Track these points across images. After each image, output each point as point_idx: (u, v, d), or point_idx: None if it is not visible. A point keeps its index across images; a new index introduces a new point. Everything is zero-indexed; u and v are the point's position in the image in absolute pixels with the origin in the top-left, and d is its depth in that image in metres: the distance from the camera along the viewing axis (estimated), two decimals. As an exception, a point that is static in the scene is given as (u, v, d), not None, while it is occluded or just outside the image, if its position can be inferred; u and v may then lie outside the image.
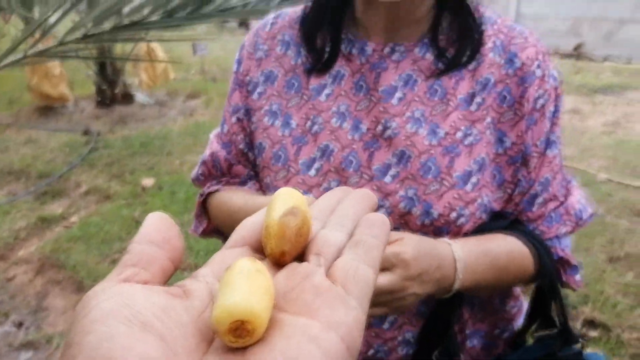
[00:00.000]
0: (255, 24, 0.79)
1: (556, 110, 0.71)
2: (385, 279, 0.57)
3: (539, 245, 0.70)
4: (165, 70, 5.51)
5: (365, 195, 0.29)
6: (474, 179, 0.67)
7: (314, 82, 0.71)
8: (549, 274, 0.71)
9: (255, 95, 0.74)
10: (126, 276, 0.22)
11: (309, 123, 0.71)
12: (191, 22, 1.49)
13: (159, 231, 0.24)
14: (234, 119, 0.77)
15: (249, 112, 0.75)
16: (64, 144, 4.41)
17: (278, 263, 0.25)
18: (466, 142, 0.67)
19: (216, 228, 0.84)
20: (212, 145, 0.81)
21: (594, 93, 6.09)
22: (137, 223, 3.05)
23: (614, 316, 2.24)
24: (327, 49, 0.70)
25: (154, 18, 1.47)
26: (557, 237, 0.73)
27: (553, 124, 0.70)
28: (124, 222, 3.05)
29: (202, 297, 0.22)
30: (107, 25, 1.56)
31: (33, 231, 3.00)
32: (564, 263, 0.74)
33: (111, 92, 5.45)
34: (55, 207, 3.30)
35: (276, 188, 0.69)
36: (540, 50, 0.70)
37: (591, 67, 7.78)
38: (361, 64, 0.70)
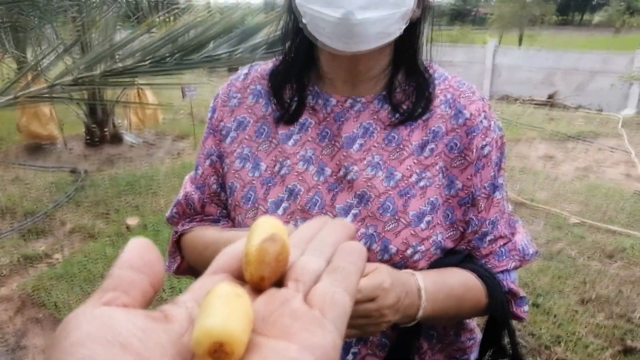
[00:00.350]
0: (244, 70, 0.87)
1: (501, 158, 0.77)
2: (365, 306, 0.62)
3: (490, 278, 0.75)
4: (154, 112, 5.63)
5: (344, 224, 0.30)
6: (427, 218, 0.73)
7: (282, 129, 0.77)
8: (500, 305, 0.75)
9: (228, 141, 0.79)
10: (107, 300, 0.22)
11: (277, 166, 0.76)
12: (179, 69, 1.60)
13: (139, 256, 0.24)
14: (207, 162, 0.81)
15: (221, 156, 0.80)
16: (51, 182, 4.45)
17: (257, 288, 0.25)
18: (420, 185, 0.73)
19: (189, 266, 0.87)
20: (186, 187, 0.85)
21: (567, 140, 6.31)
22: (121, 261, 3.07)
23: (585, 356, 2.29)
24: (295, 102, 0.77)
25: (144, 64, 1.58)
26: (506, 271, 0.78)
27: (498, 169, 0.77)
28: (108, 261, 3.07)
29: (182, 321, 0.23)
30: (98, 70, 1.65)
31: (16, 269, 3.01)
32: (513, 295, 0.79)
33: (100, 133, 5.53)
34: (39, 245, 3.32)
35: (247, 226, 0.75)
36: (485, 105, 0.77)
37: (564, 115, 8.04)
38: (325, 114, 0.76)
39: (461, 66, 11.87)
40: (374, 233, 0.72)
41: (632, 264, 3.13)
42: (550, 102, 10.25)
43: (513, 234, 0.80)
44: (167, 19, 2.54)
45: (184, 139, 6.00)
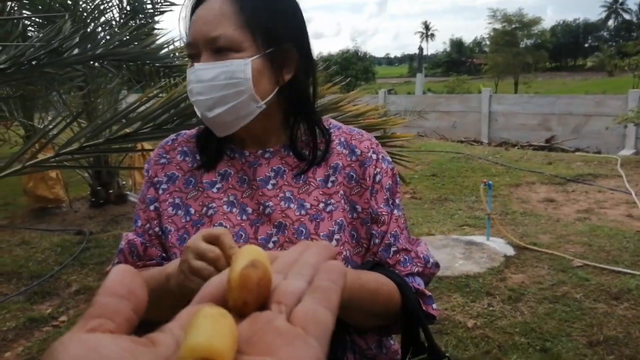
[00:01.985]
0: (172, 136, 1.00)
1: (393, 184, 0.92)
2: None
3: (399, 278, 0.86)
4: (157, 171, 5.74)
5: (324, 247, 0.31)
6: (337, 236, 0.85)
7: (206, 178, 0.90)
8: (412, 302, 0.84)
9: (161, 191, 0.91)
10: (92, 327, 0.22)
11: (204, 209, 0.88)
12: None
13: (122, 283, 0.25)
14: (151, 208, 0.91)
15: (159, 203, 0.91)
16: (57, 244, 4.50)
17: (241, 314, 0.26)
18: (327, 210, 0.86)
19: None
20: (127, 237, 0.93)
21: (567, 182, 6.36)
22: (125, 321, 3.07)
23: (597, 401, 2.25)
24: (214, 153, 0.91)
25: (145, 130, 1.67)
26: (411, 274, 0.89)
27: (392, 193, 0.91)
28: (112, 320, 3.07)
29: (168, 345, 0.23)
30: (103, 137, 1.74)
31: (21, 332, 3.01)
32: (421, 294, 0.89)
33: (105, 194, 5.63)
34: (45, 308, 3.32)
35: None
36: (373, 142, 0.93)
37: (563, 158, 8.12)
38: (242, 164, 0.90)
39: (458, 115, 12.13)
40: None
41: (638, 304, 3.10)
42: (549, 145, 10.39)
43: (414, 247, 0.92)
44: (169, 84, 2.67)
45: (188, 196, 6.07)
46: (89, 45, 1.95)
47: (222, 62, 0.79)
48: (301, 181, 0.88)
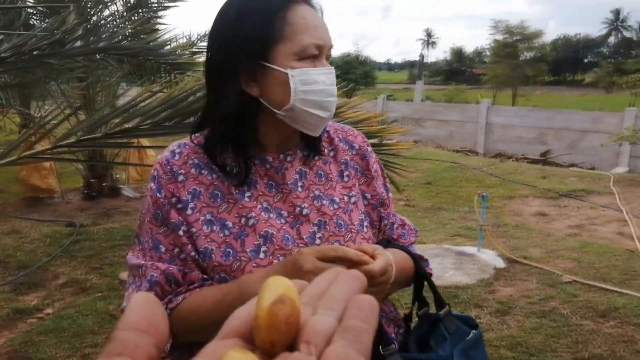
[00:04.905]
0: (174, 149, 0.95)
1: (382, 169, 1.07)
2: (379, 279, 0.83)
3: (407, 250, 1.01)
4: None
5: (355, 276, 0.30)
6: (365, 223, 0.98)
7: (235, 189, 0.89)
8: (421, 267, 1.01)
9: (189, 211, 0.86)
10: None
11: (243, 219, 0.88)
12: (178, 132, 1.68)
13: (144, 316, 0.24)
14: (180, 232, 0.86)
15: (189, 225, 0.87)
16: (46, 234, 4.47)
17: (269, 353, 0.25)
18: (352, 202, 0.97)
19: (180, 344, 0.87)
20: (153, 269, 0.87)
21: (560, 197, 6.40)
22: (112, 317, 3.05)
23: (579, 418, 2.26)
24: (242, 168, 0.89)
25: (144, 127, 1.66)
26: (411, 244, 1.06)
27: (384, 178, 1.07)
28: (98, 315, 3.05)
29: None
30: (100, 131, 1.73)
31: (5, 322, 2.99)
32: (420, 258, 1.04)
33: (99, 186, 5.60)
34: (31, 299, 3.30)
35: (234, 279, 0.85)
36: (363, 137, 1.06)
37: (557, 173, 8.16)
38: (266, 169, 0.92)
39: (455, 124, 12.17)
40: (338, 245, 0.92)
41: (624, 323, 3.12)
42: (544, 159, 10.45)
43: (403, 220, 1.08)
44: (170, 81, 2.66)
45: (182, 192, 6.05)
46: (92, 38, 1.95)
47: (332, 70, 0.89)
48: (323, 179, 0.96)
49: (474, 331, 0.99)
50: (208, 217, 0.87)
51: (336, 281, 0.29)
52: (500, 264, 4.02)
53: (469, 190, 6.43)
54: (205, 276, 0.88)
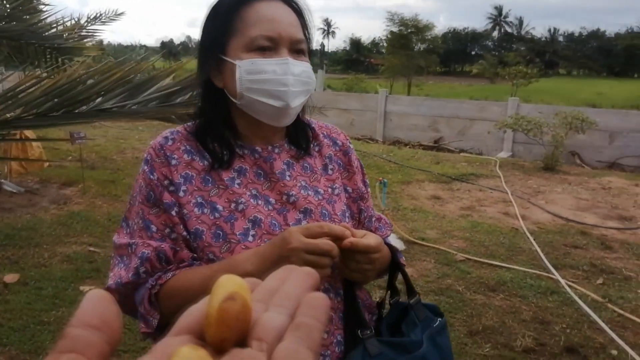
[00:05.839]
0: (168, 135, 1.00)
1: (361, 166, 1.13)
2: (374, 256, 0.89)
3: (385, 241, 1.04)
4: (39, 157, 5.25)
5: (307, 273, 0.30)
6: (347, 214, 1.03)
7: (225, 175, 0.94)
8: (397, 257, 1.05)
9: (181, 193, 0.91)
10: None
11: (233, 204, 0.92)
12: (67, 122, 1.54)
13: (96, 313, 0.24)
14: (173, 213, 0.90)
15: (180, 207, 0.91)
16: None
17: (220, 350, 0.25)
18: (335, 194, 1.03)
19: (167, 323, 0.89)
20: (145, 246, 0.90)
21: (452, 181, 6.84)
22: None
23: (475, 386, 2.44)
24: (226, 154, 0.95)
25: (28, 117, 1.50)
26: (386, 237, 1.11)
27: (363, 174, 1.12)
28: (-21, 324, 2.76)
29: None
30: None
31: None
32: (395, 249, 1.07)
33: (-27, 181, 5.04)
34: None
35: (222, 259, 0.89)
36: (345, 135, 1.14)
37: (449, 158, 8.72)
38: (255, 159, 0.98)
39: (356, 113, 12.51)
40: None
41: (512, 295, 3.42)
42: (437, 146, 11.10)
43: (380, 214, 1.16)
44: (57, 67, 2.43)
45: (72, 185, 5.63)
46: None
47: (303, 62, 0.93)
48: (309, 171, 1.02)
49: (439, 319, 1.04)
50: (199, 200, 0.92)
51: (289, 278, 0.29)
52: (401, 245, 4.22)
53: (370, 177, 6.55)
54: (195, 255, 0.92)
